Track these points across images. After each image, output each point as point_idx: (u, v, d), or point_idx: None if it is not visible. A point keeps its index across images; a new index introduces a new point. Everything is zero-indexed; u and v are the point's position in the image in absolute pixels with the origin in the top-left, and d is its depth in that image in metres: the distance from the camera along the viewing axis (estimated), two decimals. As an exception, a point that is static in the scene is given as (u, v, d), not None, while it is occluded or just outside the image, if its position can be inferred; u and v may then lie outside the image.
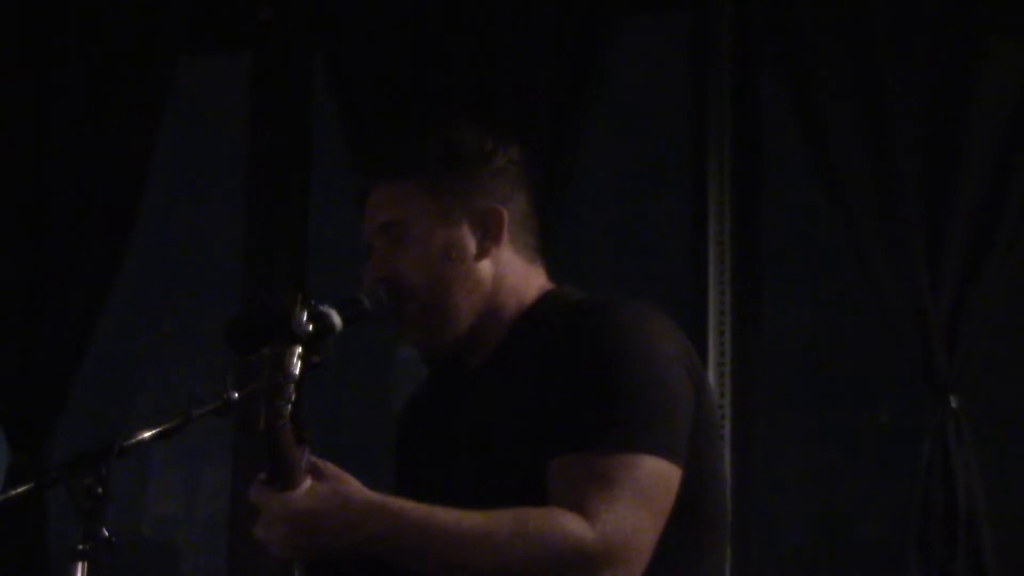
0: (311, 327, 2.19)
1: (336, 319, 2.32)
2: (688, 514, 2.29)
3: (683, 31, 4.41)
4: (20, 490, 2.32)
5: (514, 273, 2.47)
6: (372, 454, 4.20)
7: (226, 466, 4.63)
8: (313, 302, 2.27)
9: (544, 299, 2.48)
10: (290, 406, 2.13)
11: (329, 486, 2.21)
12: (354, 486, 2.22)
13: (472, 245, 2.44)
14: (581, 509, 2.18)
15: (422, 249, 2.43)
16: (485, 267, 2.44)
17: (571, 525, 2.16)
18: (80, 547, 2.19)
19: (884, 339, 4.06)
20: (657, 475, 2.23)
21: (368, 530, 2.19)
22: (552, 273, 2.54)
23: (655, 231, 4.68)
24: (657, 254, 4.63)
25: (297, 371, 2.14)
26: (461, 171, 2.45)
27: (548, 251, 2.56)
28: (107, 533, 2.21)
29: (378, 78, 4.34)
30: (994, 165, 3.94)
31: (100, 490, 2.22)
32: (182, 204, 5.03)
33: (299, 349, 2.16)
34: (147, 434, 2.30)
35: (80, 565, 2.19)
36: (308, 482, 2.19)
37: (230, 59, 4.78)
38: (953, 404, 3.85)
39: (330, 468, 2.23)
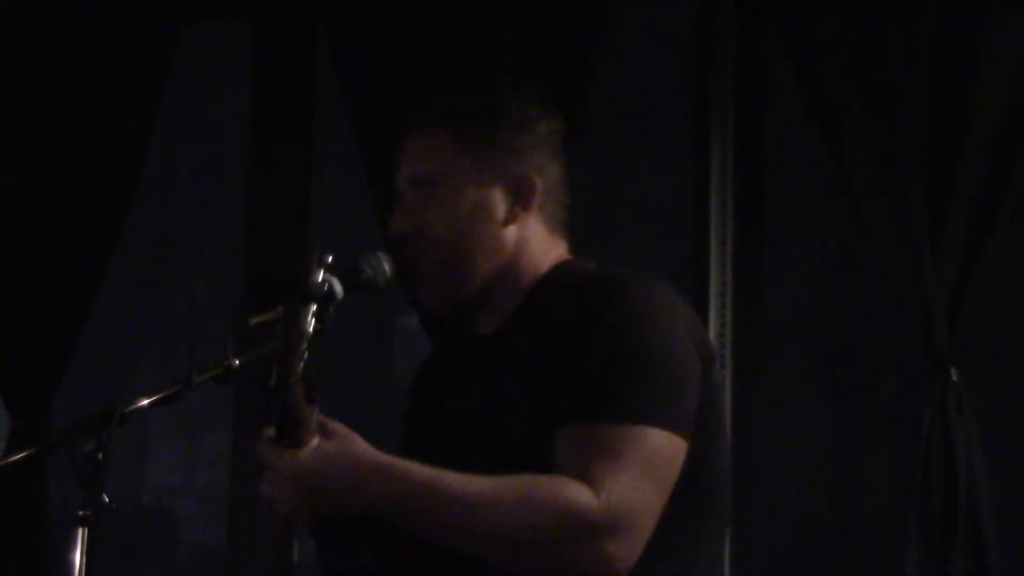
0: (327, 286, 2.20)
1: (338, 287, 2.32)
2: (691, 488, 2.29)
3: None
4: (20, 456, 2.31)
5: (536, 242, 2.47)
6: (372, 424, 4.20)
7: (226, 434, 4.63)
8: (330, 260, 2.28)
9: (558, 269, 2.47)
10: (302, 364, 2.12)
11: (336, 445, 2.21)
12: (361, 446, 2.22)
13: (502, 209, 2.44)
14: (586, 479, 2.17)
15: (451, 205, 2.43)
16: (510, 233, 2.44)
17: (576, 493, 2.16)
18: (80, 513, 2.19)
19: (885, 312, 4.06)
20: (663, 448, 2.23)
21: (373, 490, 2.19)
22: (575, 246, 2.54)
23: (657, 200, 4.67)
24: (659, 224, 4.62)
25: (311, 330, 2.14)
26: (502, 134, 2.45)
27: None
28: (107, 499, 2.20)
29: (381, 45, 4.32)
30: (998, 138, 3.93)
31: (100, 456, 2.21)
32: (183, 174, 5.02)
33: (314, 307, 2.16)
34: (147, 400, 2.29)
35: (80, 531, 2.19)
36: (316, 440, 2.19)
37: (232, 28, 4.75)
38: (954, 378, 3.84)
39: (338, 427, 2.23)
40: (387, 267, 2.43)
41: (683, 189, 4.33)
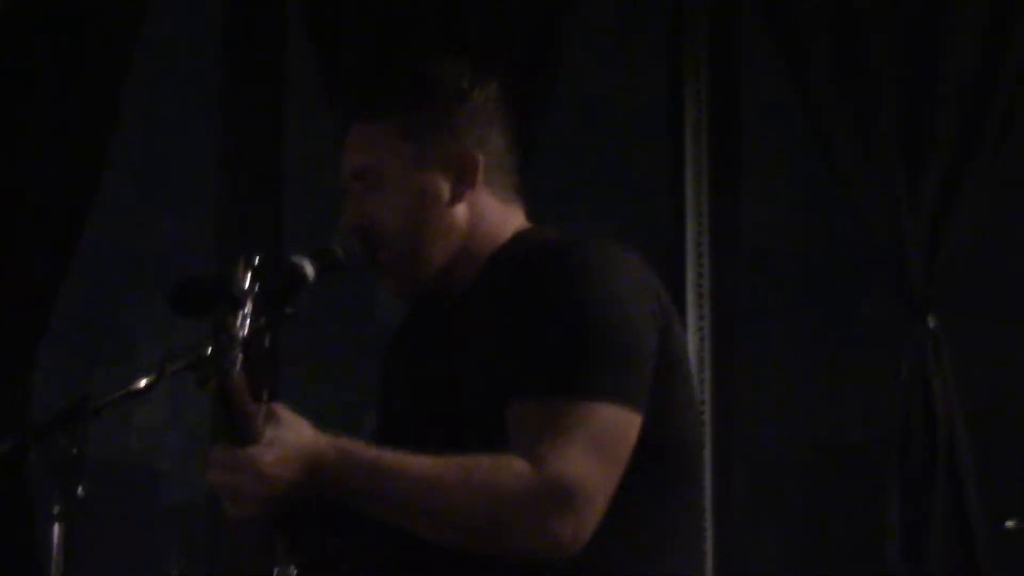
0: (256, 287, 2.16)
1: (309, 269, 2.32)
2: (655, 458, 2.27)
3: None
4: (-5, 454, 2.31)
5: (490, 215, 2.44)
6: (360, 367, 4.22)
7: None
8: (286, 260, 2.27)
9: (516, 239, 2.44)
10: (238, 366, 2.11)
11: (287, 433, 2.18)
12: (308, 431, 2.20)
13: (446, 190, 2.40)
14: (531, 456, 2.16)
15: (395, 195, 2.40)
16: (459, 211, 2.41)
17: (517, 472, 2.15)
18: (56, 509, 2.20)
19: (863, 260, 4.06)
20: (613, 422, 2.21)
21: (325, 473, 2.18)
22: (533, 212, 2.52)
23: (633, 155, 4.65)
24: (634, 177, 4.61)
25: (242, 333, 2.11)
26: (436, 112, 2.41)
27: (525, 180, 2.54)
28: (82, 492, 2.21)
29: (352, 6, 4.30)
30: (972, 83, 3.91)
31: (75, 451, 2.21)
32: (155, 136, 4.98)
33: (244, 311, 2.13)
34: (120, 393, 2.29)
35: (57, 527, 2.20)
36: (268, 433, 2.17)
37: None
38: (931, 325, 3.85)
39: (284, 414, 2.20)
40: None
41: (659, 142, 4.32)
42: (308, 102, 4.43)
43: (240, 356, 2.10)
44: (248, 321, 2.12)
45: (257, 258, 2.18)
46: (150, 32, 4.51)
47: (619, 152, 4.64)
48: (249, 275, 2.15)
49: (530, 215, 2.50)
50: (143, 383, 2.29)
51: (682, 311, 4.07)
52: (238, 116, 4.54)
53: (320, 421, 2.24)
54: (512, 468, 2.16)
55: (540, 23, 4.16)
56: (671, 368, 2.31)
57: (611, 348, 2.23)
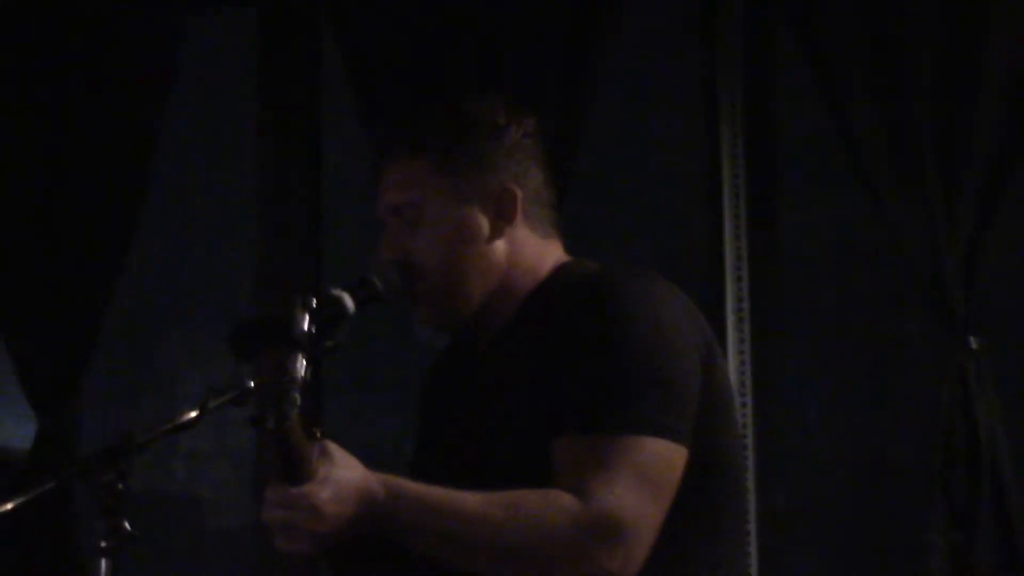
0: (314, 328, 2.18)
1: (348, 302, 2.34)
2: (700, 489, 2.29)
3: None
4: (41, 489, 2.32)
5: (528, 251, 2.46)
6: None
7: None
8: (325, 293, 2.28)
9: (557, 273, 2.47)
10: (296, 408, 2.13)
11: (341, 471, 2.20)
12: (359, 468, 2.22)
13: (485, 225, 2.43)
14: (578, 491, 2.18)
15: (434, 230, 2.42)
16: (498, 246, 2.44)
17: (565, 506, 2.17)
18: (103, 544, 2.21)
19: (902, 280, 4.03)
20: (658, 456, 2.23)
21: (376, 510, 2.19)
22: (568, 240, 2.53)
23: (668, 173, 4.65)
24: (672, 196, 4.61)
25: (301, 374, 2.13)
26: (473, 149, 2.43)
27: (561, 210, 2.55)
28: (129, 527, 2.22)
29: (384, 31, 4.32)
30: (1011, 95, 3.88)
31: (121, 486, 2.23)
32: (194, 174, 5.02)
33: (303, 354, 2.15)
34: (164, 428, 2.30)
35: (104, 562, 2.21)
36: (322, 470, 2.19)
37: (238, 16, 4.75)
38: (972, 346, 3.82)
39: (336, 451, 2.22)
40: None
41: (695, 166, 4.31)
42: (346, 134, 4.45)
43: (299, 398, 2.12)
44: (306, 363, 2.14)
45: (314, 300, 2.21)
46: (186, 73, 4.56)
47: (656, 177, 4.65)
48: (307, 317, 2.18)
49: (568, 247, 2.52)
50: (187, 418, 2.32)
51: (722, 335, 4.07)
52: (277, 149, 4.58)
53: (364, 451, 2.26)
54: (560, 502, 2.18)
55: (573, 53, 4.17)
56: (715, 400, 2.33)
57: (656, 382, 2.25)
